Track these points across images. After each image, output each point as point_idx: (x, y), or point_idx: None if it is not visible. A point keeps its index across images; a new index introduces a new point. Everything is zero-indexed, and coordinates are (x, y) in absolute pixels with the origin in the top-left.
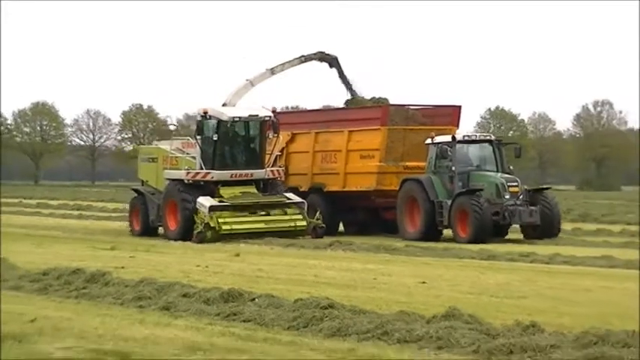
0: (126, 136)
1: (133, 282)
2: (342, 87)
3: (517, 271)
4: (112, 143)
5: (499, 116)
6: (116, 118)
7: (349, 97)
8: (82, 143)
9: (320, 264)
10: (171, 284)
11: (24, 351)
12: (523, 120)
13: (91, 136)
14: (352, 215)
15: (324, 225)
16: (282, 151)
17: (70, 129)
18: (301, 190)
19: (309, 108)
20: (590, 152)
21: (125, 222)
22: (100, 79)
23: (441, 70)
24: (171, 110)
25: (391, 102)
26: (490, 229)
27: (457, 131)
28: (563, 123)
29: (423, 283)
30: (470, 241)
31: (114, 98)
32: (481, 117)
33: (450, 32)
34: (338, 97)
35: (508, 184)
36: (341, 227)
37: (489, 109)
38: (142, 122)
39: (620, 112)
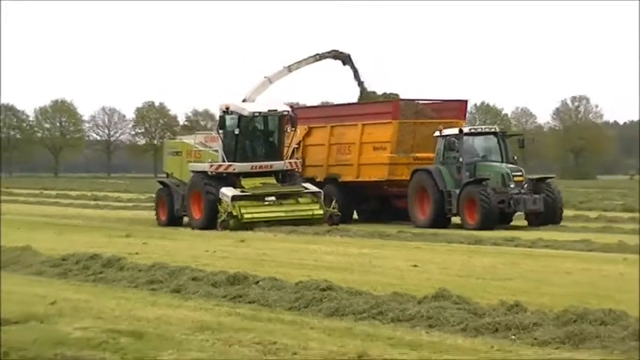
0: (139, 131)
1: (146, 266)
2: (355, 83)
3: (502, 254)
4: (126, 138)
5: (484, 111)
6: (130, 115)
7: (361, 93)
8: (99, 138)
9: (320, 249)
10: (182, 268)
11: (46, 331)
12: (507, 114)
13: (106, 131)
14: (365, 204)
15: (339, 213)
16: (299, 143)
17: (87, 125)
18: (317, 180)
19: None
20: (569, 144)
21: (139, 211)
22: (115, 77)
23: (437, 67)
24: (181, 106)
25: (401, 97)
26: (496, 217)
27: (464, 124)
28: (544, 117)
29: (415, 266)
30: (477, 228)
31: (128, 95)
32: (468, 112)
33: (441, 32)
34: (349, 94)
35: (513, 173)
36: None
37: (475, 105)
38: (154, 118)
39: (596, 107)
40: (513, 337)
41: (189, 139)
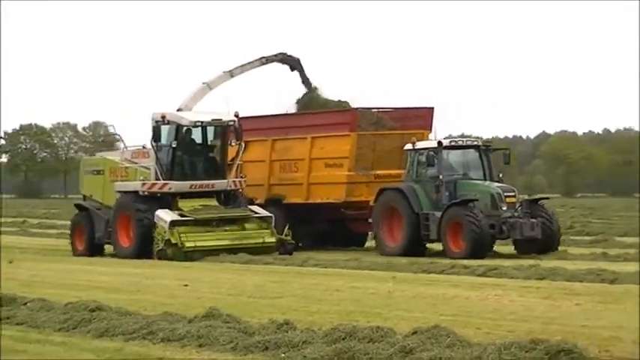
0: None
1: None
2: (304, 91)
3: (273, 273)
4: None
5: None
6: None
7: (310, 100)
8: None
9: (94, 269)
10: None
11: None
12: None
13: None
14: (314, 228)
15: (293, 241)
16: (233, 159)
17: None
18: (256, 202)
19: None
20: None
21: None
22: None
23: (390, 71)
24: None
25: (352, 105)
26: (488, 244)
27: (429, 135)
28: None
29: (186, 285)
30: (465, 257)
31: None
32: None
33: (394, 33)
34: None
35: (505, 194)
36: None
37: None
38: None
39: None
40: (283, 355)
41: (112, 155)
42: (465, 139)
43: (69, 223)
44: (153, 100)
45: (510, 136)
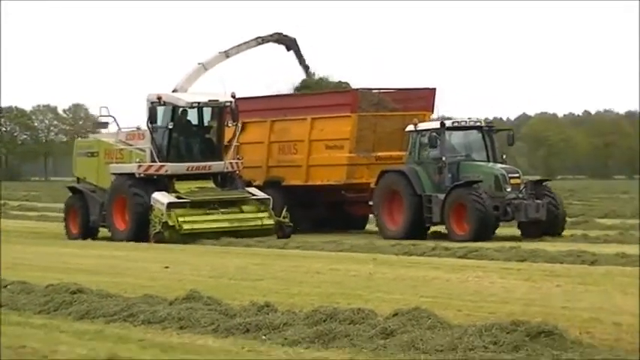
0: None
1: None
2: (302, 71)
3: (254, 255)
4: None
5: None
6: None
7: (306, 82)
8: None
9: (72, 252)
10: None
11: None
12: None
13: None
14: (313, 211)
15: (291, 224)
16: (230, 141)
17: None
18: (255, 184)
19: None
20: None
21: None
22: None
23: (389, 52)
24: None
25: (353, 86)
26: (493, 225)
27: (432, 116)
28: None
29: (167, 267)
30: (469, 239)
31: None
32: None
33: (394, 14)
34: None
35: (509, 175)
36: None
37: None
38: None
39: None
40: (264, 337)
41: (107, 137)
42: (467, 120)
43: (50, 205)
44: (142, 82)
45: (491, 117)
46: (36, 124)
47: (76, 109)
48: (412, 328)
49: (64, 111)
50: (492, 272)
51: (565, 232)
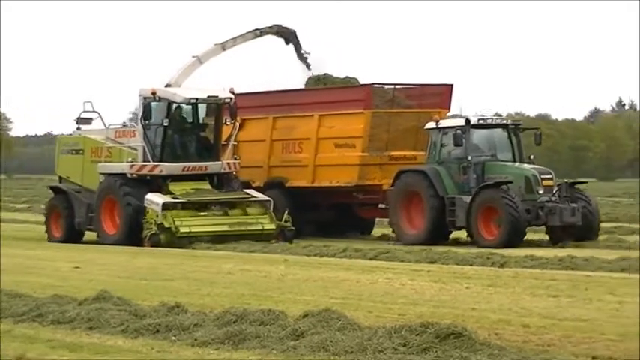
0: None
1: None
2: (301, 65)
3: (165, 255)
4: None
5: None
6: None
7: (309, 75)
8: None
9: None
10: None
11: None
12: None
13: None
14: (319, 214)
15: (293, 228)
16: (227, 140)
17: None
18: (254, 185)
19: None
20: None
21: None
22: None
23: (400, 47)
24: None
25: (361, 82)
26: (524, 230)
27: (448, 114)
28: None
29: (77, 267)
30: (500, 245)
31: None
32: None
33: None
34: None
35: (541, 176)
36: None
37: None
38: None
39: None
40: (174, 337)
41: (94, 134)
42: (493, 117)
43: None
44: (128, 77)
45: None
46: None
47: None
48: (322, 329)
49: None
50: (402, 274)
51: None
